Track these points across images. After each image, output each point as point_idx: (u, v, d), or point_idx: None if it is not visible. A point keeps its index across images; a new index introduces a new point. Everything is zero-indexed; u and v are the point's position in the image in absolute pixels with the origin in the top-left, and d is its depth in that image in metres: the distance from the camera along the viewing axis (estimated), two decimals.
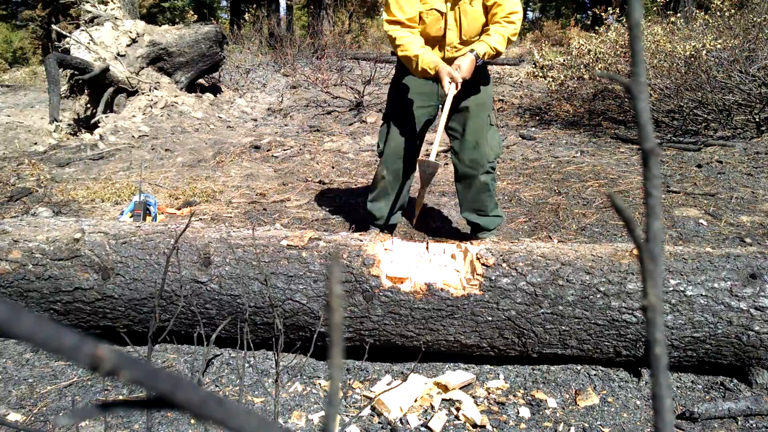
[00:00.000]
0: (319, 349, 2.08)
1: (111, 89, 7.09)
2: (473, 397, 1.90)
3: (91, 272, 2.03)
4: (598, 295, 1.88)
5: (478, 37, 2.70)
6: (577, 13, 21.65)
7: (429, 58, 2.56)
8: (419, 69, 2.59)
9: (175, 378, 0.27)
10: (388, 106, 3.01)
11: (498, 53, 2.64)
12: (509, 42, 2.63)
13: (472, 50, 2.59)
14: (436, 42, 2.72)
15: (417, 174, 2.87)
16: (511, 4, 2.58)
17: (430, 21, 2.65)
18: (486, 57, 2.61)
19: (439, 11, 2.62)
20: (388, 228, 3.14)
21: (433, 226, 3.55)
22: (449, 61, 2.70)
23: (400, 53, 2.62)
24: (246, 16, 16.69)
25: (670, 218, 3.49)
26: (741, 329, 1.85)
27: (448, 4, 2.62)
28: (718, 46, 6.06)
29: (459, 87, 2.58)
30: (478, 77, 2.78)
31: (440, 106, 2.82)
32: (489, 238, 3.13)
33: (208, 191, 4.25)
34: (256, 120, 7.38)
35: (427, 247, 2.14)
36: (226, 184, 4.51)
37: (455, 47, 2.73)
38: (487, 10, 2.64)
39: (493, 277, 1.93)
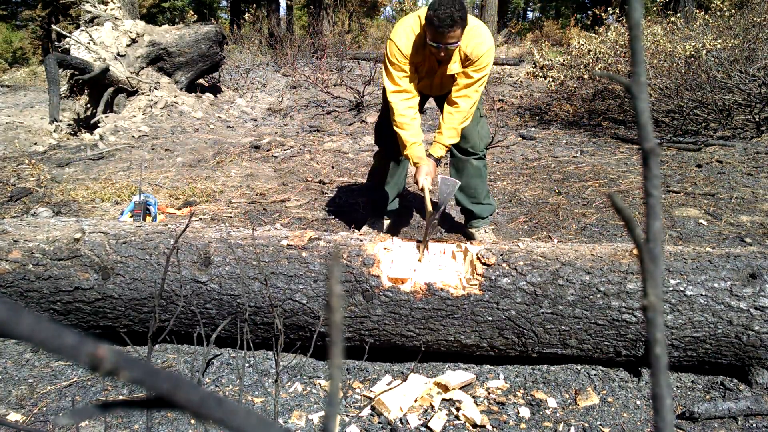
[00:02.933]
0: (319, 349, 2.08)
1: (111, 89, 7.09)
2: (473, 397, 1.90)
3: (91, 272, 2.03)
4: (598, 295, 1.88)
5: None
6: (577, 13, 21.65)
7: (416, 153, 2.72)
8: (405, 153, 2.77)
9: (175, 378, 0.27)
10: (384, 101, 3.13)
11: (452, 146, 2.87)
12: (460, 131, 2.81)
13: (430, 155, 2.79)
14: (423, 81, 2.88)
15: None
16: (483, 78, 2.71)
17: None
18: (443, 156, 2.85)
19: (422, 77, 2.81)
20: (389, 214, 3.34)
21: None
22: (436, 92, 2.95)
23: (396, 128, 2.76)
24: (246, 16, 16.69)
25: (670, 218, 3.49)
26: (741, 329, 1.85)
27: (427, 77, 2.79)
28: (718, 46, 6.06)
29: (429, 187, 2.71)
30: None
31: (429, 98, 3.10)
32: (484, 227, 3.18)
33: (208, 191, 4.25)
34: (256, 120, 7.38)
35: (427, 247, 2.14)
36: (226, 184, 4.51)
37: (440, 84, 2.89)
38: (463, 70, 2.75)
39: (493, 277, 1.93)
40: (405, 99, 2.72)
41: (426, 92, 2.96)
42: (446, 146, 2.81)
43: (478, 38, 2.60)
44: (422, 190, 2.66)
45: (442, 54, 2.56)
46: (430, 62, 2.70)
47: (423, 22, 2.56)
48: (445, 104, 2.78)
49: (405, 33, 2.64)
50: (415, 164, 2.73)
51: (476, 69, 2.66)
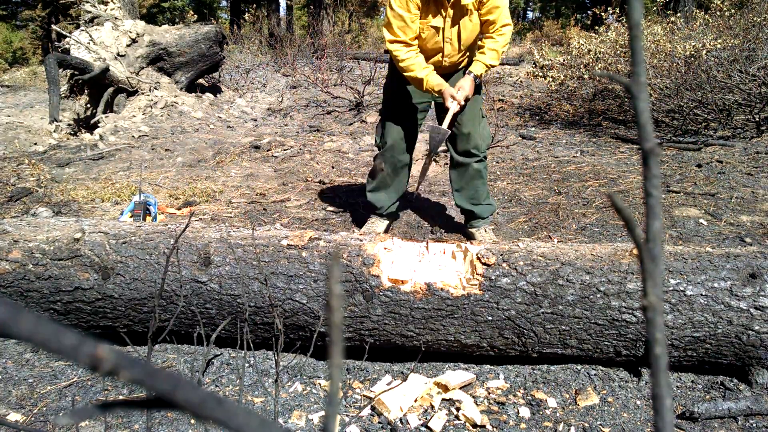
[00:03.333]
0: (319, 348, 2.08)
1: (111, 89, 7.09)
2: (473, 397, 1.90)
3: (91, 272, 2.03)
4: (598, 295, 1.88)
5: (473, 46, 2.90)
6: (577, 12, 21.65)
7: (434, 80, 2.74)
8: (424, 89, 2.78)
9: (175, 378, 0.27)
10: (384, 101, 3.18)
11: (492, 68, 2.87)
12: (501, 54, 2.83)
13: (470, 72, 2.79)
14: (433, 53, 2.85)
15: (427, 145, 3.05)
16: (503, 18, 2.76)
17: (427, 36, 2.78)
18: (483, 75, 2.83)
19: (436, 28, 2.75)
20: (389, 216, 3.34)
21: (433, 225, 3.55)
22: (447, 68, 2.89)
23: (405, 74, 2.78)
24: (246, 16, 16.69)
25: (670, 218, 3.49)
26: (741, 329, 1.85)
27: (448, 21, 2.74)
28: (718, 45, 6.06)
29: (461, 105, 2.79)
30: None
31: (433, 102, 3.08)
32: (484, 227, 3.19)
33: (208, 191, 4.25)
34: (256, 120, 7.38)
35: (427, 247, 2.14)
36: (226, 184, 4.51)
37: (453, 56, 2.88)
38: (481, 21, 2.80)
39: (493, 277, 1.93)
40: (408, 49, 2.72)
41: (436, 49, 2.87)
42: (487, 66, 2.80)
43: None
44: (461, 101, 2.73)
45: None
46: (441, 6, 2.69)
47: None
48: (483, 39, 2.81)
49: None
50: (439, 92, 2.76)
51: (490, 8, 2.69)
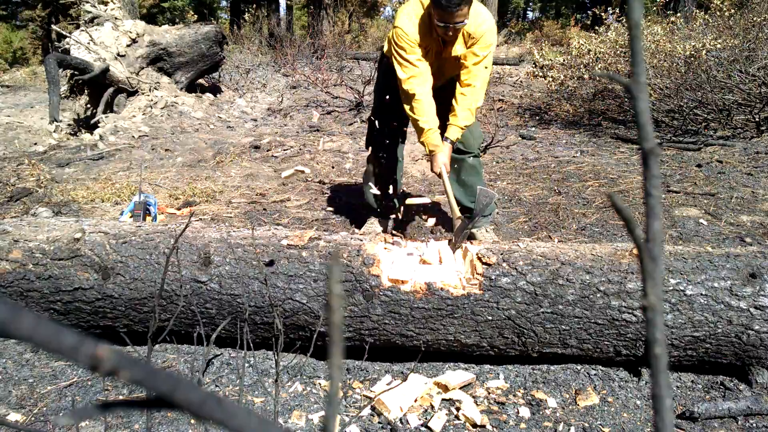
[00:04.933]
0: (319, 348, 2.08)
1: (111, 89, 7.09)
2: (473, 396, 1.90)
3: (92, 272, 2.03)
4: (598, 295, 1.88)
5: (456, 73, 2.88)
6: (577, 12, 21.65)
7: (433, 139, 2.73)
8: (420, 140, 2.78)
9: (174, 378, 0.27)
10: (375, 101, 3.22)
11: (467, 127, 2.86)
12: (476, 111, 2.83)
13: (446, 138, 2.79)
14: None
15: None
16: (487, 59, 2.74)
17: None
18: (459, 138, 2.86)
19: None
20: (387, 214, 3.38)
21: (433, 225, 3.55)
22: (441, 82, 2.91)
23: (410, 114, 2.76)
24: (246, 16, 16.67)
25: (670, 218, 3.49)
26: (741, 328, 1.85)
27: (434, 63, 2.78)
28: (718, 45, 6.06)
29: (447, 171, 2.77)
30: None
31: None
32: (485, 227, 3.20)
33: (208, 191, 4.25)
34: (256, 120, 7.38)
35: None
36: (226, 184, 4.51)
37: (441, 78, 2.90)
38: (466, 54, 2.76)
39: (493, 277, 1.93)
40: (421, 81, 2.71)
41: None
42: (462, 128, 2.81)
43: (477, 16, 2.64)
44: (440, 176, 2.71)
45: (450, 34, 2.57)
46: (437, 44, 2.71)
47: (426, 4, 2.59)
48: (457, 87, 2.79)
49: (409, 18, 2.66)
50: (430, 152, 2.75)
51: (481, 47, 2.68)
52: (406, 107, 2.77)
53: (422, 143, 2.79)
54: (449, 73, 2.86)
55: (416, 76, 2.70)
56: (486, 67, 2.75)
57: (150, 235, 2.11)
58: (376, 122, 3.14)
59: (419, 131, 2.75)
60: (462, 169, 3.12)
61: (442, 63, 2.81)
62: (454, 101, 2.80)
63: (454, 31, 2.56)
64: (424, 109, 2.71)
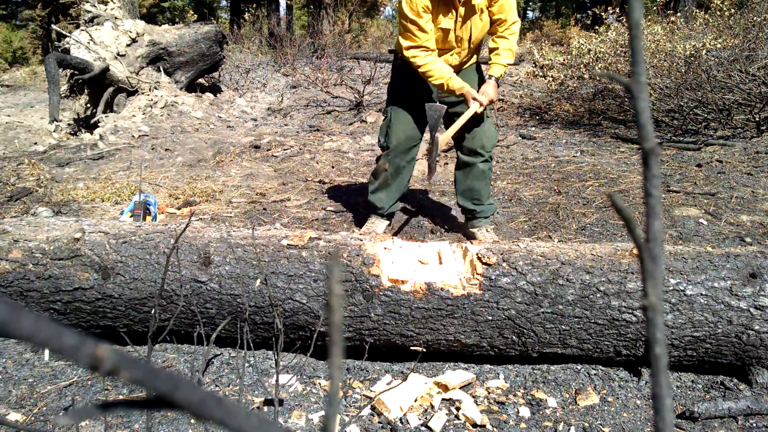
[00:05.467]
0: (319, 348, 2.08)
1: (111, 89, 7.09)
2: (473, 396, 1.90)
3: (91, 272, 2.03)
4: (598, 295, 1.88)
5: (480, 45, 2.97)
6: (577, 12, 21.64)
7: (457, 83, 2.77)
8: (446, 90, 2.81)
9: (175, 378, 0.27)
10: (389, 102, 3.16)
11: (510, 66, 2.95)
12: (515, 52, 2.91)
13: (491, 76, 2.86)
14: (443, 53, 2.87)
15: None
16: (513, 15, 2.83)
17: (437, 37, 2.80)
18: (503, 76, 2.90)
19: (446, 30, 2.78)
20: (389, 216, 3.35)
21: (433, 225, 3.55)
22: (455, 68, 2.91)
23: (428, 79, 2.80)
24: (246, 15, 16.67)
25: (670, 218, 3.49)
26: (741, 328, 1.85)
27: (459, 21, 2.76)
28: (718, 45, 6.06)
29: (483, 106, 2.83)
30: (479, 75, 3.06)
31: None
32: (485, 226, 3.20)
33: (208, 191, 4.25)
34: (256, 120, 7.38)
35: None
36: (226, 183, 4.51)
37: (462, 55, 2.92)
38: (491, 20, 2.84)
39: (493, 277, 1.93)
40: (426, 54, 2.73)
41: (447, 48, 2.90)
42: (505, 66, 2.85)
43: None
44: (492, 103, 2.80)
45: None
46: (453, 3, 2.70)
47: None
48: (495, 36, 2.86)
49: None
50: (461, 94, 2.78)
51: (501, 5, 2.75)
52: (418, 71, 2.79)
53: (450, 93, 2.81)
54: (476, 34, 2.83)
55: (417, 47, 2.71)
56: (516, 22, 2.83)
57: (150, 234, 2.11)
58: (390, 120, 3.10)
59: (440, 85, 2.78)
60: (471, 174, 3.11)
61: (465, 20, 2.77)
62: (493, 42, 2.85)
63: None
64: (434, 70, 2.73)
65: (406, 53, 2.74)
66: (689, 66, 6.06)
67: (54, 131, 6.22)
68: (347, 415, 1.80)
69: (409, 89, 3.00)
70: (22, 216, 3.59)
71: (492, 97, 2.83)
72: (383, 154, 3.16)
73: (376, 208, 3.31)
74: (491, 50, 2.89)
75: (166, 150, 5.65)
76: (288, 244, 2.04)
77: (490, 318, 1.93)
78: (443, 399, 1.88)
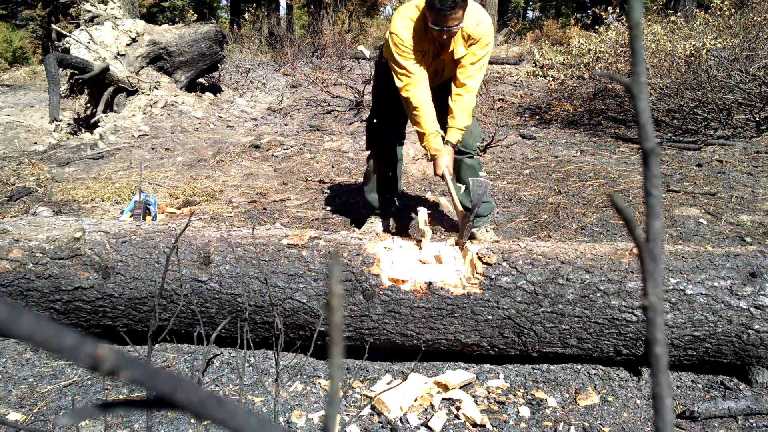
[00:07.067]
0: (319, 348, 2.08)
1: (111, 89, 7.09)
2: (473, 396, 1.90)
3: (92, 271, 2.03)
4: (598, 294, 1.88)
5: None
6: (577, 12, 21.64)
7: (435, 144, 2.73)
8: (422, 144, 2.78)
9: (175, 378, 0.27)
10: (374, 102, 3.23)
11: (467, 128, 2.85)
12: (472, 112, 2.83)
13: (447, 142, 2.79)
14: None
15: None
16: (478, 70, 2.74)
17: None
18: (460, 141, 2.85)
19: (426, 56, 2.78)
20: (387, 214, 3.39)
21: (433, 225, 3.55)
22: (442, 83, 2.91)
23: (412, 119, 2.77)
24: (246, 15, 16.65)
25: (670, 217, 3.49)
26: (741, 328, 1.85)
27: (431, 64, 2.77)
28: (718, 45, 6.05)
29: (450, 174, 2.77)
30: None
31: None
32: (485, 226, 3.21)
33: (208, 191, 4.25)
34: (256, 119, 7.38)
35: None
36: (226, 183, 4.51)
37: (442, 77, 2.91)
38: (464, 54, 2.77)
39: (493, 276, 1.93)
40: (418, 88, 2.70)
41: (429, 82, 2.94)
42: (461, 129, 2.81)
43: (475, 16, 2.64)
44: (443, 178, 2.72)
45: (445, 37, 2.56)
46: (434, 47, 2.70)
47: (421, 8, 2.58)
48: (453, 88, 2.78)
49: (404, 23, 2.65)
50: (432, 156, 2.75)
51: (480, 46, 2.69)
52: (407, 109, 2.77)
53: (424, 147, 2.79)
54: (448, 73, 2.85)
55: (413, 84, 2.69)
56: (482, 68, 2.75)
57: (150, 234, 2.11)
58: (375, 121, 3.15)
59: (421, 136, 2.76)
60: (460, 171, 3.12)
61: (439, 65, 2.80)
62: (451, 102, 2.79)
63: (449, 34, 2.56)
64: (424, 115, 2.71)
65: (403, 94, 2.72)
66: (689, 66, 6.06)
67: (54, 131, 6.22)
68: (347, 415, 1.80)
69: (394, 89, 2.99)
70: (22, 216, 3.59)
71: (449, 165, 2.76)
72: (371, 154, 3.26)
73: (373, 208, 3.36)
74: (448, 110, 2.81)
75: (166, 150, 5.65)
76: (288, 244, 2.04)
77: (490, 317, 1.93)
78: (443, 399, 1.88)
